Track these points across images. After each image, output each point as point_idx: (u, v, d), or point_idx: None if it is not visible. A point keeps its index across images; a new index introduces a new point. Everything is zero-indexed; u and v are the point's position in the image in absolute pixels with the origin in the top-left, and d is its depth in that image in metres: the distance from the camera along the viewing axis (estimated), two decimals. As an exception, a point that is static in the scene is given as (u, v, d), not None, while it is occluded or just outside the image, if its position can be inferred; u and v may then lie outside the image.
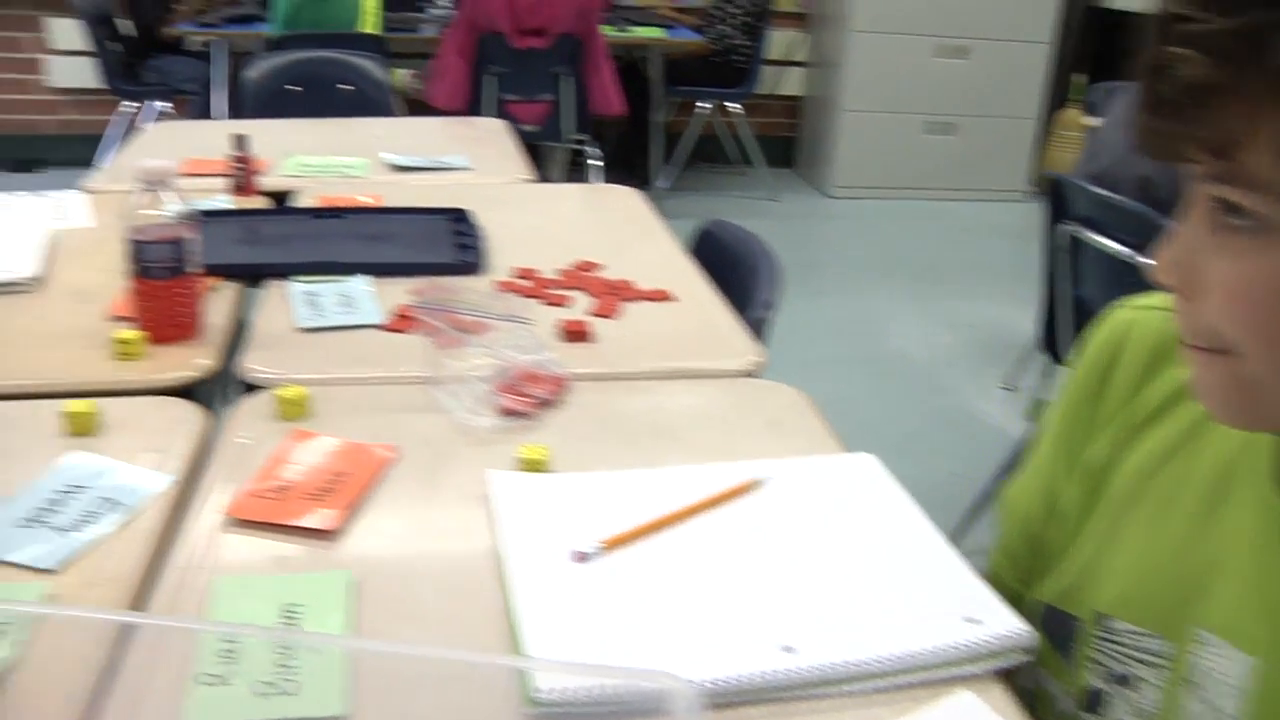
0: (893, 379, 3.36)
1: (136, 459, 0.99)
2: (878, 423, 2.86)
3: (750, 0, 4.85)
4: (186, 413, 1.09)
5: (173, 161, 1.19)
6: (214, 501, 0.93)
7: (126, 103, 4.81)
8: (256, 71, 2.84)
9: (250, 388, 1.16)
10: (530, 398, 1.14)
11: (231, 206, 1.72)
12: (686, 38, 4.70)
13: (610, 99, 3.99)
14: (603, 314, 1.40)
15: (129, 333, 1.17)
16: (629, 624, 0.78)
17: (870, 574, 0.85)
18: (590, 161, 4.23)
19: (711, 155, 5.41)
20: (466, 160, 2.05)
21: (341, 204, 1.72)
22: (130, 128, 4.86)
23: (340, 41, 3.69)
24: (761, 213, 4.92)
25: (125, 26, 4.75)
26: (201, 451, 1.02)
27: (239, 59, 4.88)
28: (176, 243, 1.18)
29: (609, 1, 3.76)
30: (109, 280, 1.42)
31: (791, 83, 5.54)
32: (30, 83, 5.16)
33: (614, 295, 1.46)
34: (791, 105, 5.62)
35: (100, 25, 4.65)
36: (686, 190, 5.15)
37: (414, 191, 1.84)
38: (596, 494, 0.96)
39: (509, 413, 1.11)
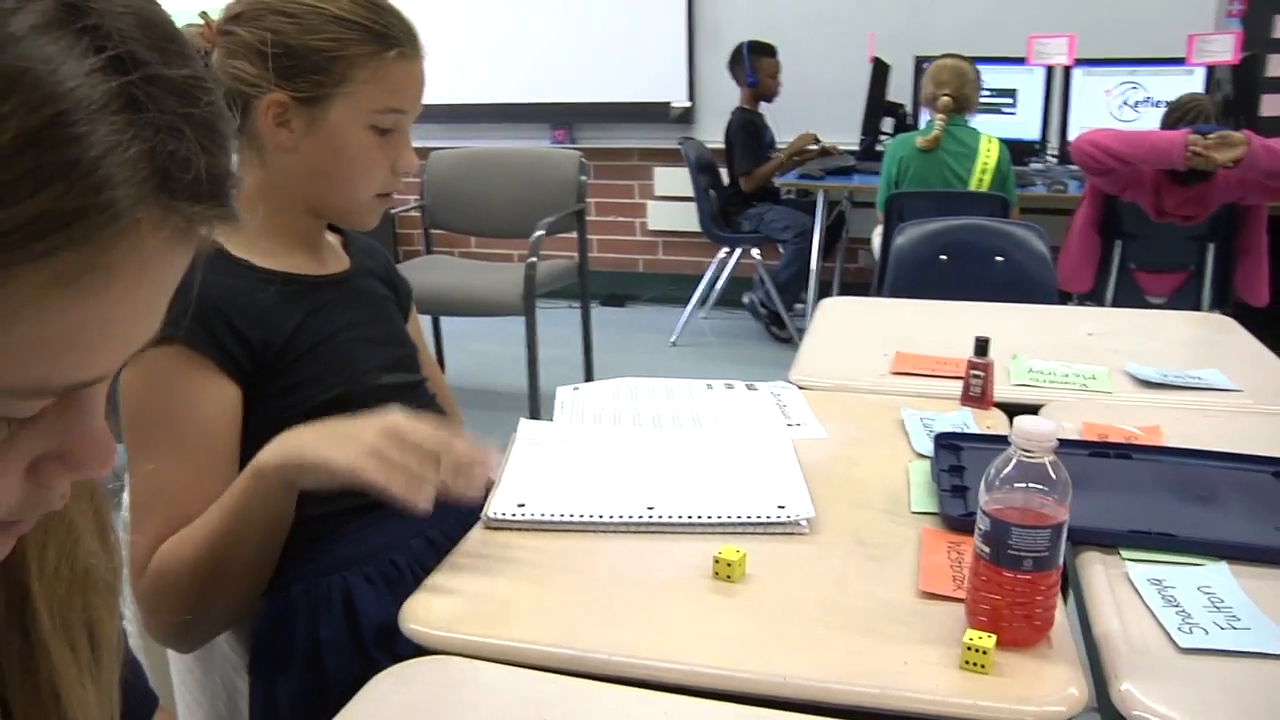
0: None
1: None
2: None
3: None
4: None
5: (1055, 425, 0.95)
6: None
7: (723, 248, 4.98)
8: (906, 238, 2.68)
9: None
10: None
11: (973, 427, 1.48)
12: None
13: (1258, 288, 3.41)
14: None
15: (986, 639, 0.93)
16: None
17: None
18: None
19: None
20: (1225, 377, 1.67)
21: (1114, 438, 1.42)
22: (723, 270, 5.02)
23: (960, 203, 3.49)
24: None
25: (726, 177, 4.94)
26: None
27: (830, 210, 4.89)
28: (1056, 529, 0.93)
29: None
30: (880, 525, 1.21)
31: None
32: (632, 225, 5.54)
33: None
34: None
35: (705, 173, 4.86)
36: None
37: (1173, 415, 1.51)
38: None
39: None
